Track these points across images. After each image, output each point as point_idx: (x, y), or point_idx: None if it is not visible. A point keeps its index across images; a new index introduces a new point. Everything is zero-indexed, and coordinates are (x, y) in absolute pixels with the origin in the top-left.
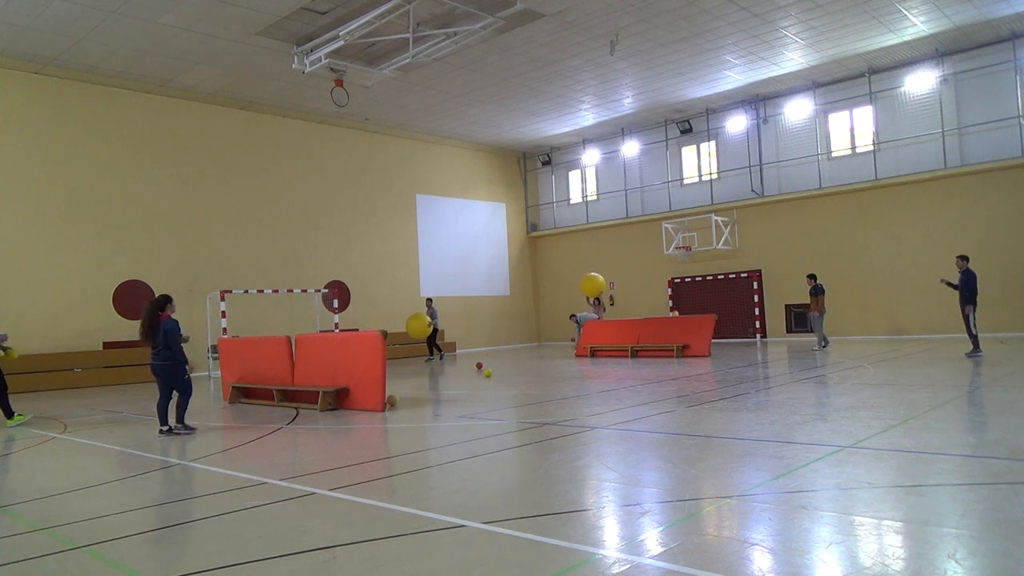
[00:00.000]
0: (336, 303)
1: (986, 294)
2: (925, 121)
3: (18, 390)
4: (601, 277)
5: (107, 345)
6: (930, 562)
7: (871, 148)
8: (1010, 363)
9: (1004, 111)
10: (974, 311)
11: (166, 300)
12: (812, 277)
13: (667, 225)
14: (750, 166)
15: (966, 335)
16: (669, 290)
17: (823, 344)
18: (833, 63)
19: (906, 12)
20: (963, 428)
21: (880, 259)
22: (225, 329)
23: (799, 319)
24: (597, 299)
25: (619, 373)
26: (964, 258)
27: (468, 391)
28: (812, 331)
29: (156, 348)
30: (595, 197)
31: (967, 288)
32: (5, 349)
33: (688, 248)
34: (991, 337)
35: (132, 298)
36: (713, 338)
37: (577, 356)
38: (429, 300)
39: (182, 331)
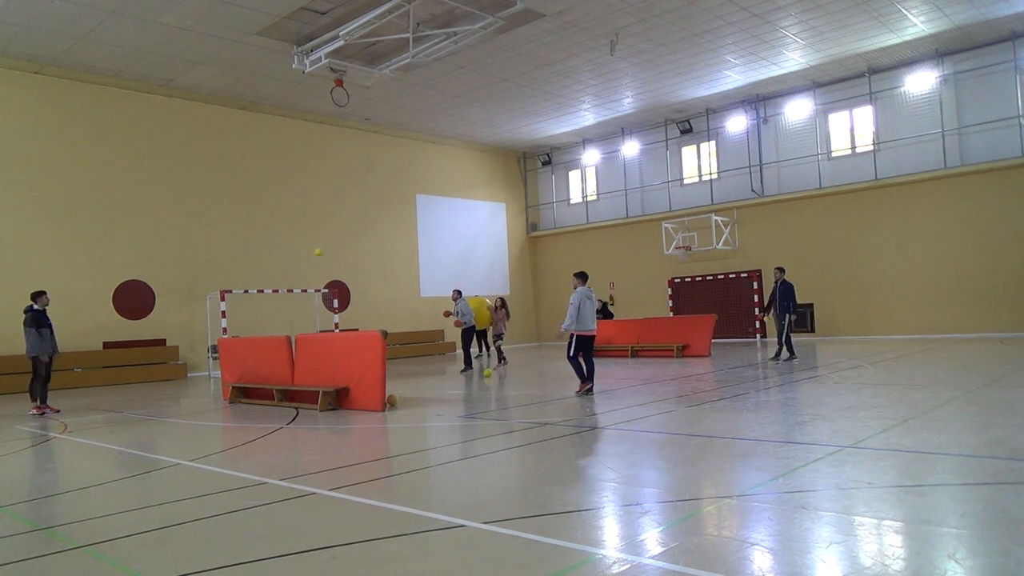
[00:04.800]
0: (336, 303)
1: (986, 294)
2: (925, 121)
3: (17, 389)
4: (488, 302)
5: (107, 345)
6: (930, 562)
7: (871, 148)
8: (1010, 363)
9: (1004, 111)
10: (790, 319)
11: None
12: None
13: (667, 225)
14: (750, 166)
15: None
16: (669, 290)
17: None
18: (833, 63)
19: (906, 12)
20: (963, 428)
21: (880, 259)
22: (225, 329)
23: (799, 318)
24: (502, 301)
25: (619, 373)
26: (781, 269)
27: (468, 391)
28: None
29: None
30: (595, 197)
31: (784, 298)
32: None
33: (688, 248)
34: (992, 337)
35: (132, 298)
36: (713, 338)
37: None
38: (457, 292)
39: None
